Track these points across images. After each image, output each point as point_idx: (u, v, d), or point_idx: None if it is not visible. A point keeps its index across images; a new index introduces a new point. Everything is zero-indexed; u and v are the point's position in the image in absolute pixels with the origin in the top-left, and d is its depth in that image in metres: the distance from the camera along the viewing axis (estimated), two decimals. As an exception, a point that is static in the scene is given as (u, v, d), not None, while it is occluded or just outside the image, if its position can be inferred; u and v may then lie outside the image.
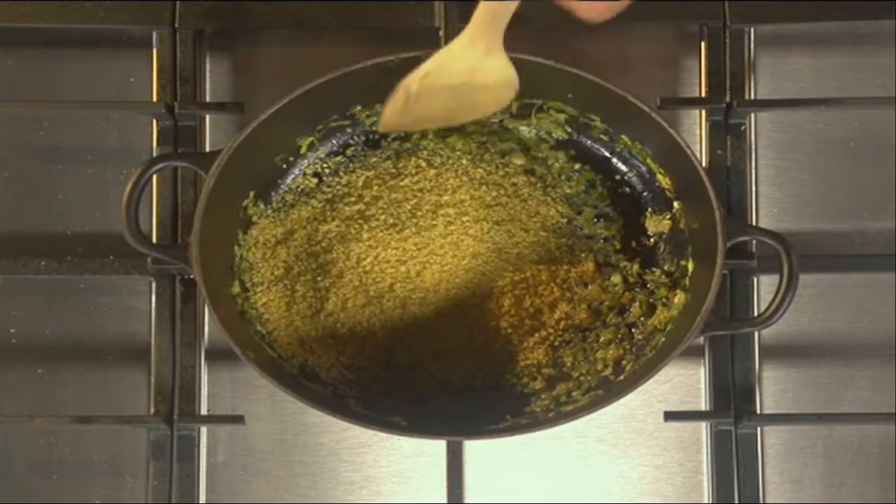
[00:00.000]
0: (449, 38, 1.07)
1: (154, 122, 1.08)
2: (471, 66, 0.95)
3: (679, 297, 1.02)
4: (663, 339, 1.01)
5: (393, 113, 0.97)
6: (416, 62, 1.00)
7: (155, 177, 1.04)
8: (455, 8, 1.08)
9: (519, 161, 1.07)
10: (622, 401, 0.97)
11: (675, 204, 1.04)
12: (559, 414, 0.99)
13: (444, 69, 0.95)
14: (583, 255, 1.05)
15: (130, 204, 0.95)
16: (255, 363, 0.96)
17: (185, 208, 1.07)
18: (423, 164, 1.07)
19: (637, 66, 1.10)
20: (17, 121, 1.10)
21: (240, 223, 1.04)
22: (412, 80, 0.96)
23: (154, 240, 1.07)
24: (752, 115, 1.09)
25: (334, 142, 1.07)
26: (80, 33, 1.10)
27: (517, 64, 0.99)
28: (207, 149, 1.09)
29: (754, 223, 1.08)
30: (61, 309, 1.08)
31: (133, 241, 0.97)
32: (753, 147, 1.09)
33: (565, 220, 1.06)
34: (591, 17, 0.88)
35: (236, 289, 1.03)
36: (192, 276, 0.99)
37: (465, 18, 1.06)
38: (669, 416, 1.05)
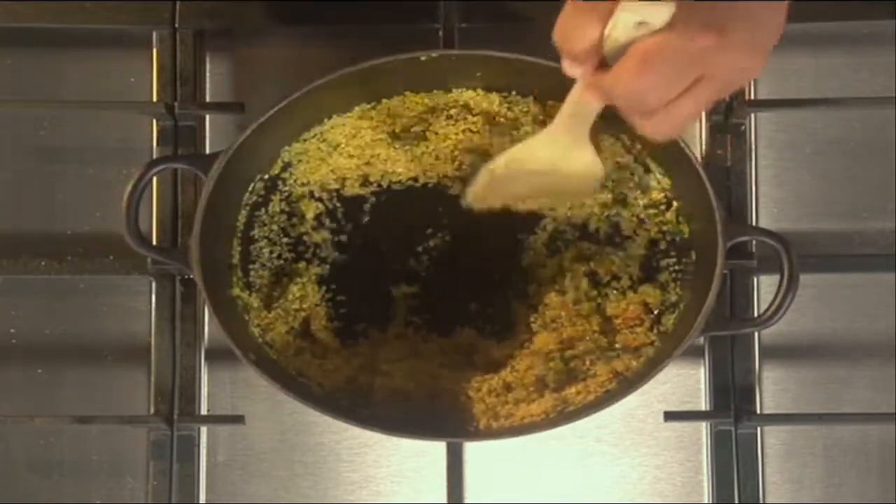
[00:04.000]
0: (449, 37, 1.07)
1: (154, 122, 1.08)
2: (556, 156, 0.92)
3: (679, 297, 1.03)
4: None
5: (479, 191, 0.96)
6: (417, 62, 1.00)
7: (155, 178, 1.03)
8: (455, 8, 1.07)
9: None
10: (622, 401, 0.97)
11: (675, 204, 1.04)
12: (560, 414, 0.99)
13: (528, 157, 0.94)
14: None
15: (131, 206, 0.95)
16: (256, 364, 0.96)
17: (184, 209, 1.07)
18: None
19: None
20: (17, 121, 1.10)
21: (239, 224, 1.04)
22: (497, 165, 0.95)
23: (154, 240, 1.06)
24: (752, 115, 1.09)
25: None
26: (80, 33, 1.10)
27: (518, 64, 0.99)
28: (207, 148, 1.09)
29: (754, 223, 1.07)
30: (61, 309, 1.08)
31: (133, 243, 0.97)
32: (753, 147, 1.09)
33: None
34: (656, 135, 0.83)
35: (236, 290, 1.03)
36: (192, 276, 0.99)
37: (465, 18, 1.07)
38: (669, 416, 1.05)
